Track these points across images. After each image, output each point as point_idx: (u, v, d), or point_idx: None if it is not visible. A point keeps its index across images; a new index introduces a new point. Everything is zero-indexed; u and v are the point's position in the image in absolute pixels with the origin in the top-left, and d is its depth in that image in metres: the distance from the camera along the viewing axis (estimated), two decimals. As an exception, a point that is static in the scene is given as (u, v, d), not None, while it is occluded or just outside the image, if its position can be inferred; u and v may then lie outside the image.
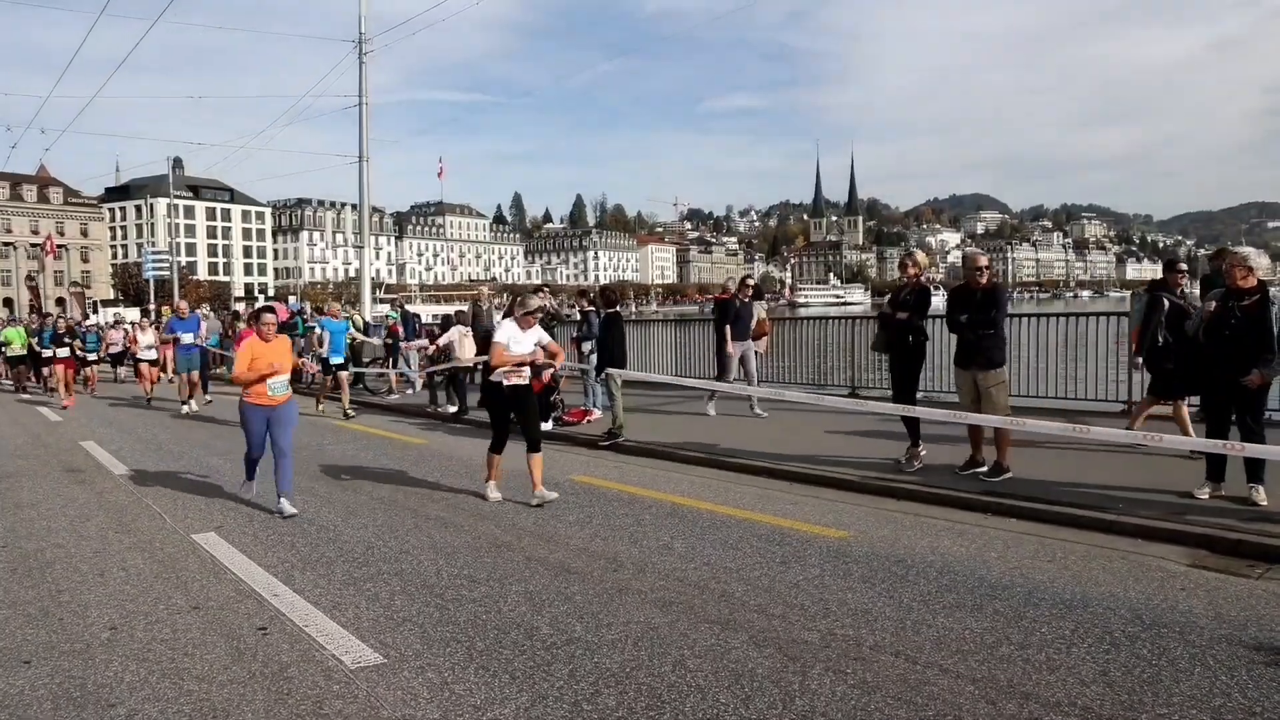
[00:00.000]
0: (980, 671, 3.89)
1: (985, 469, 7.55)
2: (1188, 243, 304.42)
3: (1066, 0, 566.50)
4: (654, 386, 14.29)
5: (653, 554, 5.94)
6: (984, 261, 7.76)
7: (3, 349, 21.83)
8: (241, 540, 6.58)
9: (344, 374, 15.03)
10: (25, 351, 20.81)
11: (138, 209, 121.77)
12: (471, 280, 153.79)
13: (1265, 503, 6.22)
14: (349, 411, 14.32)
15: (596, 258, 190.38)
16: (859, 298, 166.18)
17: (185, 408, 15.39)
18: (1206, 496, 6.50)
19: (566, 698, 3.77)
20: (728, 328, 11.97)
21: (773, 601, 4.90)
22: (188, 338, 16.28)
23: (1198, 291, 8.84)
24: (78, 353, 19.87)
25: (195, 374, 16.03)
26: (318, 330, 15.57)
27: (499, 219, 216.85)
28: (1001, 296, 7.67)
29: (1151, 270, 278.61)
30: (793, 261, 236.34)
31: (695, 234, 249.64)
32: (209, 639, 4.57)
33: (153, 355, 18.22)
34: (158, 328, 21.29)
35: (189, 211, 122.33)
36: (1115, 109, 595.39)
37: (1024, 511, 6.60)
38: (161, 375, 22.95)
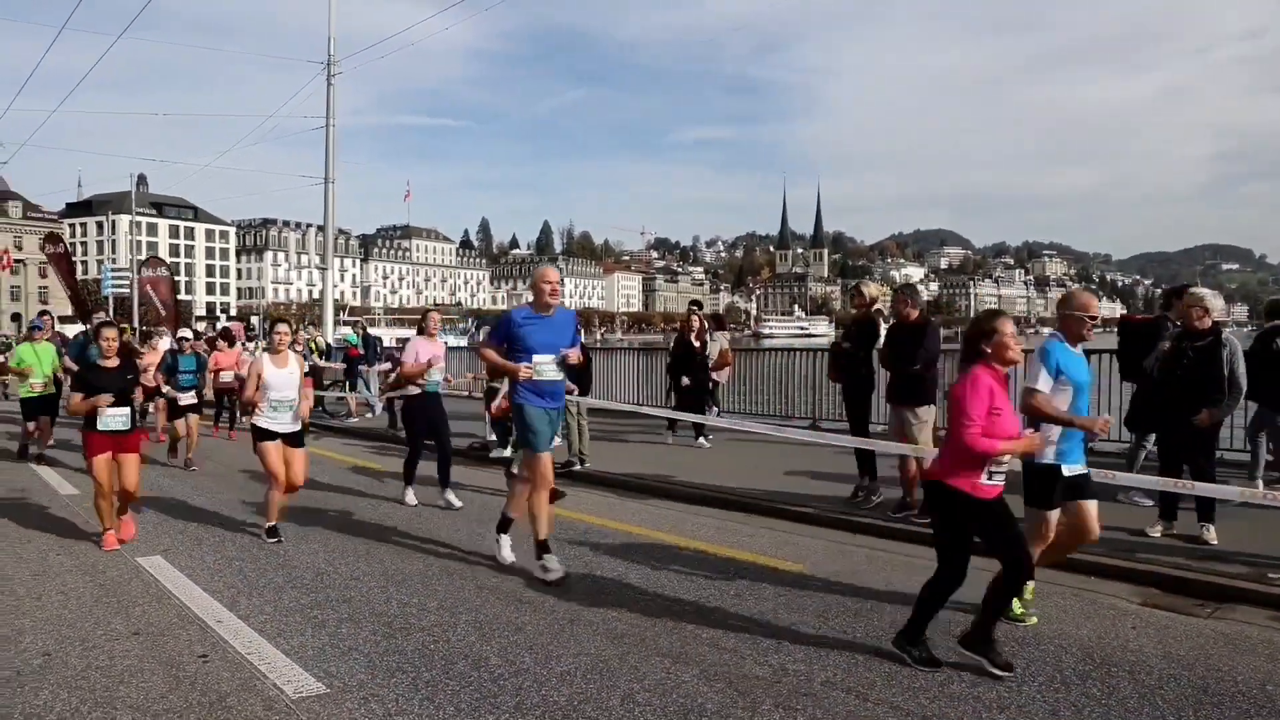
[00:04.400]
0: (931, 709, 3.87)
1: (916, 511, 7.28)
2: (1145, 281, 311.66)
3: (1027, 43, 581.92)
4: (616, 414, 14.25)
5: (606, 584, 5.87)
6: (907, 297, 7.66)
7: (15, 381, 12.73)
8: (188, 564, 6.41)
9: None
10: (48, 389, 11.88)
11: (99, 225, 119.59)
12: (436, 305, 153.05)
13: (1215, 541, 6.30)
14: None
15: (562, 285, 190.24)
16: (823, 329, 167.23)
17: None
18: (1159, 535, 6.59)
19: (513, 732, 3.69)
20: None
21: (725, 635, 4.86)
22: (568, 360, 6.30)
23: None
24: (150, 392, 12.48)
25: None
26: None
27: (465, 244, 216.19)
28: (927, 333, 7.42)
29: (1109, 309, 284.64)
30: (758, 292, 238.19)
31: (661, 263, 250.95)
32: (147, 666, 4.43)
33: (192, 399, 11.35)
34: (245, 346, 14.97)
35: (152, 229, 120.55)
36: (1075, 150, 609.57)
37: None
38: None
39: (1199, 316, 6.61)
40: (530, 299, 6.25)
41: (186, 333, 13.77)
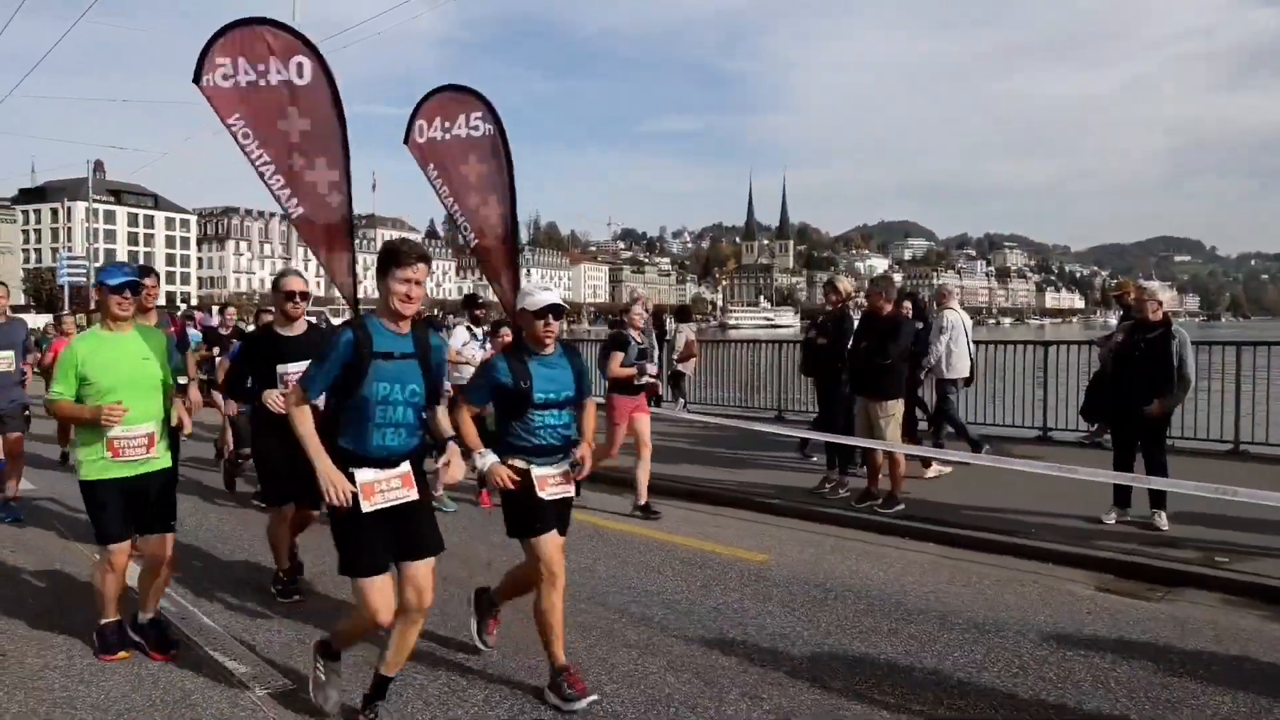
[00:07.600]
0: (893, 698, 3.95)
1: (880, 501, 7.49)
2: (1103, 273, 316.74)
3: (994, 37, 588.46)
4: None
5: (574, 576, 5.86)
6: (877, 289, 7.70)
7: None
8: (148, 561, 6.31)
9: None
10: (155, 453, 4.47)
11: (54, 212, 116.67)
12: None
13: (1166, 528, 6.47)
14: None
15: (529, 275, 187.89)
16: (789, 321, 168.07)
17: None
18: (1113, 522, 6.75)
19: (480, 725, 3.71)
20: None
21: (692, 625, 4.90)
22: None
23: (1114, 322, 9.22)
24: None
25: None
26: None
27: (431, 234, 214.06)
28: (902, 329, 7.50)
29: (1069, 299, 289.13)
30: (724, 283, 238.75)
31: (629, 253, 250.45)
32: (108, 665, 4.37)
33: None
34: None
35: (110, 216, 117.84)
36: (1037, 143, 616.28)
37: (941, 536, 6.74)
38: None
39: (1152, 309, 6.79)
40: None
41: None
